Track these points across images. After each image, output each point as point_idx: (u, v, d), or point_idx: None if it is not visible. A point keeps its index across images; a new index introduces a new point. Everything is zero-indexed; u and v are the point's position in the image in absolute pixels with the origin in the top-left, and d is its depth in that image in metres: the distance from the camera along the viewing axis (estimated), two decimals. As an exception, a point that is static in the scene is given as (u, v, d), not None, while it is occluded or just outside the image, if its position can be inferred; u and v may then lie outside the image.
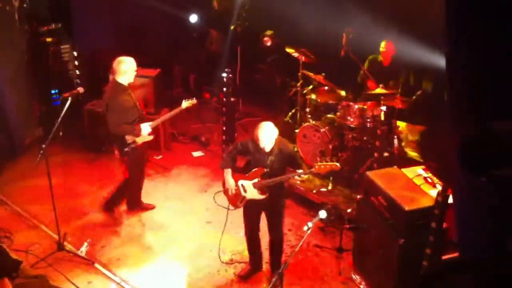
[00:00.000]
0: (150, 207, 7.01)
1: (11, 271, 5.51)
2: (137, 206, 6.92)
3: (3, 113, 7.79)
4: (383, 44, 7.46)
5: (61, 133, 7.60)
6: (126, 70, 6.13)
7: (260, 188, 5.28)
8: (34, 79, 8.49)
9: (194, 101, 6.60)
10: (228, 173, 5.43)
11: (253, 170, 5.28)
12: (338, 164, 5.07)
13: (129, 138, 6.25)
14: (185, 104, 6.55)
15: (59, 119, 6.03)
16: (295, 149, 5.42)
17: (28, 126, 8.33)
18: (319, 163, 5.06)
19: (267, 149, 5.13)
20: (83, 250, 6.05)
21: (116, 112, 6.13)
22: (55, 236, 6.12)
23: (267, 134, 5.06)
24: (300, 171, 5.22)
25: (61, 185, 7.17)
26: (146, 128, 6.30)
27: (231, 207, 5.61)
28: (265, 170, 5.21)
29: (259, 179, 5.26)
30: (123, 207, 6.87)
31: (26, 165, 7.66)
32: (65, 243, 6.11)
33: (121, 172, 6.66)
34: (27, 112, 8.36)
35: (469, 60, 3.00)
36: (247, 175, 5.33)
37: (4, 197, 7.08)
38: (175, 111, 6.57)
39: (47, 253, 5.98)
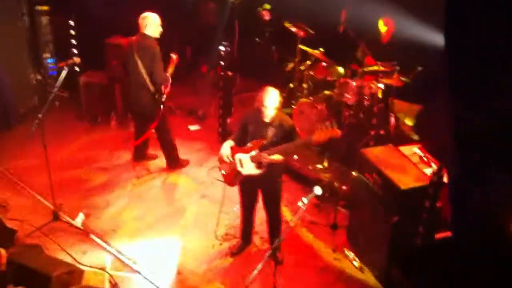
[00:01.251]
0: (154, 157, 7.44)
1: (6, 240, 5.52)
2: (177, 162, 7.28)
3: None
4: (382, 22, 7.37)
5: (57, 103, 7.54)
6: (148, 24, 6.53)
7: (257, 161, 5.11)
8: (30, 47, 8.40)
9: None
10: (227, 143, 5.33)
11: (252, 141, 5.15)
12: (338, 130, 4.79)
13: (162, 88, 6.68)
14: (173, 56, 6.96)
15: (55, 88, 6.00)
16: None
17: (23, 95, 8.26)
18: (319, 130, 4.78)
19: (268, 117, 5.02)
20: (78, 220, 6.09)
21: (157, 61, 6.50)
22: (51, 206, 6.14)
23: (272, 98, 4.96)
24: (300, 141, 5.08)
25: (56, 155, 7.17)
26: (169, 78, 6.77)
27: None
28: (264, 141, 5.07)
29: (257, 151, 5.10)
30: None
31: (21, 135, 7.64)
32: (61, 213, 6.13)
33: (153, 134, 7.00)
34: (22, 81, 8.28)
35: (466, 44, 3.00)
36: (244, 147, 5.20)
37: (0, 167, 7.05)
38: (172, 63, 6.93)
39: (42, 223, 6.00)
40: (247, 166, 5.21)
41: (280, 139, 5.07)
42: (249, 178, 5.27)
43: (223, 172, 5.47)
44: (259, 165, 5.14)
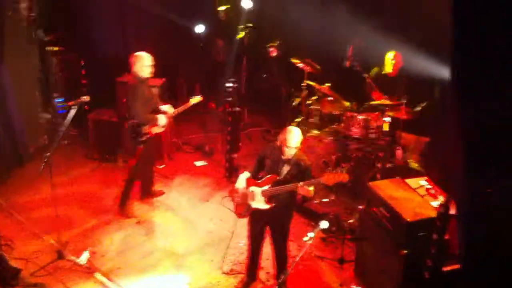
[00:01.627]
0: (160, 193, 7.45)
1: (10, 279, 5.50)
2: (147, 194, 7.30)
3: (9, 120, 7.82)
4: (391, 56, 7.40)
5: (66, 142, 7.62)
6: (137, 64, 6.65)
7: (267, 196, 5.15)
8: (40, 87, 8.53)
9: (200, 98, 7.18)
10: (243, 175, 5.38)
11: (266, 177, 5.19)
12: (346, 175, 4.93)
13: (145, 128, 6.67)
14: (192, 100, 7.11)
15: (64, 127, 6.07)
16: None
17: (33, 134, 8.35)
18: (328, 173, 4.95)
19: (289, 154, 5.07)
20: (83, 259, 6.03)
21: (139, 100, 6.59)
22: (56, 245, 6.12)
23: (296, 137, 5.05)
24: (309, 181, 5.06)
25: (64, 193, 7.20)
26: (163, 119, 6.79)
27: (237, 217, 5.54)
28: (278, 178, 5.12)
29: (270, 187, 5.14)
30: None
31: (31, 173, 7.69)
32: (66, 252, 6.10)
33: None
34: (32, 120, 8.38)
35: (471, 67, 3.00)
36: (259, 182, 5.24)
37: (7, 204, 7.08)
38: (184, 106, 7.08)
39: (47, 261, 5.96)
40: (257, 200, 5.23)
41: (293, 177, 5.10)
42: (260, 212, 5.27)
43: (236, 201, 5.47)
44: (269, 199, 5.16)
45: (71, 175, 7.79)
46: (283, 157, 5.11)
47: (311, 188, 5.02)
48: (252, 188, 5.26)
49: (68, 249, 6.16)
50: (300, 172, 5.10)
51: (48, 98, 8.66)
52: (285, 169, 5.11)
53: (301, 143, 5.14)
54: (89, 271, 5.90)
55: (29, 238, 6.46)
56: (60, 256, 6.02)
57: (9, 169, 7.89)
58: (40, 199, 7.11)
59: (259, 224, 5.44)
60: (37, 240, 6.42)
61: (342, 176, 4.92)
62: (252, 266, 5.74)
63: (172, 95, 9.38)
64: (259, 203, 5.22)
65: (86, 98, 6.76)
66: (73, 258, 6.07)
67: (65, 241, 6.17)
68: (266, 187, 5.16)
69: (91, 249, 6.20)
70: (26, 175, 7.81)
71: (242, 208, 5.39)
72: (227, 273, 5.93)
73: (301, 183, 4.96)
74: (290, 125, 8.37)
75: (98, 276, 5.85)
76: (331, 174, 4.93)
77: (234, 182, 6.73)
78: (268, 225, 5.44)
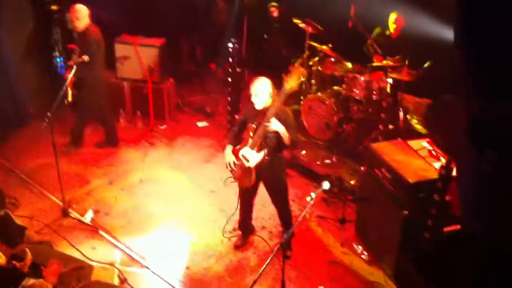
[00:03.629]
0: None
1: (16, 237, 5.55)
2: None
3: (9, 81, 7.76)
4: (393, 18, 7.34)
5: (66, 101, 7.56)
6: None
7: (256, 145, 5.07)
8: (39, 47, 8.44)
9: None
10: (228, 149, 5.34)
11: (247, 132, 5.18)
12: (300, 67, 4.91)
13: None
14: None
15: (64, 86, 6.06)
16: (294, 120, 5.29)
17: (33, 94, 8.30)
18: (285, 79, 4.86)
19: (259, 105, 5.03)
20: (87, 217, 6.12)
21: None
22: (60, 203, 6.18)
23: (258, 84, 5.03)
24: (278, 98, 4.95)
25: (65, 152, 7.22)
26: None
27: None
28: (253, 125, 5.08)
29: (252, 136, 5.10)
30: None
31: (32, 133, 7.67)
32: (70, 210, 6.17)
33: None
34: (32, 80, 8.33)
35: (478, 38, 2.97)
36: (241, 144, 5.23)
37: (10, 164, 7.11)
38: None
39: (51, 219, 6.05)
40: (251, 156, 5.15)
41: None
42: (257, 169, 5.19)
43: (236, 177, 5.40)
44: (258, 147, 5.08)
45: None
46: (257, 109, 5.08)
47: (277, 123, 4.91)
48: (241, 152, 5.22)
49: (72, 207, 6.24)
50: (281, 123, 5.00)
51: (48, 58, 8.56)
52: (260, 118, 5.05)
53: (274, 94, 5.04)
54: (93, 229, 5.99)
55: (33, 196, 6.52)
56: (65, 214, 6.10)
57: (10, 130, 7.87)
58: (42, 158, 7.12)
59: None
60: (41, 198, 6.49)
61: (297, 71, 4.90)
62: (245, 221, 5.81)
63: (174, 56, 9.32)
64: (254, 157, 5.12)
65: (85, 58, 6.74)
66: (77, 216, 6.16)
67: (68, 200, 6.23)
68: (250, 141, 5.12)
69: (94, 208, 6.27)
70: (28, 135, 7.79)
71: (245, 176, 5.30)
72: (229, 232, 6.02)
73: (267, 122, 4.89)
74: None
75: (102, 233, 5.94)
76: (288, 78, 4.86)
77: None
78: (263, 181, 5.41)
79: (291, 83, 4.86)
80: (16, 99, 7.98)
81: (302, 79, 4.96)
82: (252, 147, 5.12)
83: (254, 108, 5.12)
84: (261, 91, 5.01)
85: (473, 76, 3.09)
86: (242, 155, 5.23)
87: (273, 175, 5.34)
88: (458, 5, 2.97)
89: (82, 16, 6.87)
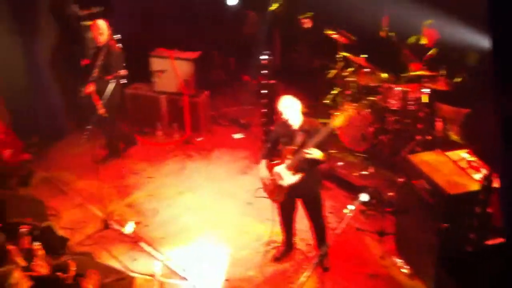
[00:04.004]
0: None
1: (58, 248, 5.69)
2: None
3: (48, 95, 8.03)
4: (424, 31, 7.32)
5: (106, 115, 7.72)
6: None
7: (292, 168, 5.15)
8: (77, 61, 8.64)
9: None
10: (262, 164, 5.41)
11: (283, 152, 5.22)
12: (350, 107, 4.93)
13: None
14: None
15: (104, 100, 6.19)
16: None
17: (73, 107, 8.49)
18: (333, 116, 4.94)
19: (294, 124, 5.08)
20: (128, 228, 6.22)
21: None
22: (101, 215, 6.31)
23: (284, 101, 5.08)
24: (323, 130, 5.05)
25: (106, 165, 7.36)
26: None
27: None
28: (295, 147, 5.11)
29: (290, 158, 5.15)
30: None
31: (72, 146, 7.87)
32: (111, 222, 6.30)
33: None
34: (72, 93, 8.51)
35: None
36: (278, 161, 5.27)
37: (51, 176, 7.29)
38: None
39: (93, 231, 6.19)
40: (286, 176, 5.23)
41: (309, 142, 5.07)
42: (291, 188, 5.28)
43: (268, 191, 5.50)
44: (295, 170, 5.15)
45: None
46: (294, 128, 5.12)
47: (318, 153, 4.95)
48: (276, 169, 5.27)
49: (113, 219, 6.37)
50: (313, 137, 5.03)
51: (86, 73, 8.75)
52: (299, 137, 5.10)
53: (301, 108, 5.12)
54: (133, 240, 6.09)
55: (74, 208, 6.69)
56: (106, 225, 6.22)
57: (50, 142, 8.09)
58: (82, 170, 7.28)
59: (290, 198, 5.46)
60: (83, 210, 6.64)
61: (347, 111, 4.92)
62: (287, 237, 5.85)
63: (207, 68, 9.43)
64: (288, 178, 5.21)
65: (123, 72, 6.91)
66: (118, 227, 6.28)
67: (109, 211, 6.36)
68: (287, 161, 5.18)
69: (135, 219, 6.38)
70: (67, 147, 8.00)
71: (276, 192, 5.40)
72: (266, 244, 6.04)
73: (306, 150, 4.93)
74: (324, 97, 8.44)
75: (143, 245, 6.04)
76: (336, 115, 4.92)
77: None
78: (299, 198, 5.48)
79: (338, 121, 4.92)
80: (55, 112, 8.21)
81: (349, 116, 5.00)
82: (288, 169, 5.18)
83: (287, 124, 5.15)
84: (289, 105, 5.07)
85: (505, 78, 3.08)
86: (277, 173, 5.28)
87: (308, 192, 5.39)
88: (491, 12, 2.97)
89: (104, 30, 7.11)
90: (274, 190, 5.40)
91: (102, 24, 7.13)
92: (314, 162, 5.08)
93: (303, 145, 5.03)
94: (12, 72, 7.60)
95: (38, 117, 8.04)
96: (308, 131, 5.09)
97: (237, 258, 5.87)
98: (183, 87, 8.12)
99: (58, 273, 4.64)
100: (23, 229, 5.05)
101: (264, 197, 5.65)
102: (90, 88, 7.02)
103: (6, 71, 7.50)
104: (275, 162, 5.29)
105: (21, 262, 4.82)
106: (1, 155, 6.67)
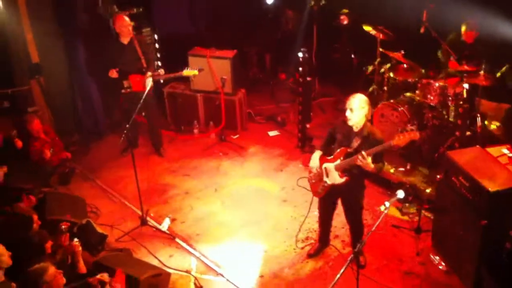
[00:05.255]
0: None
1: (98, 244, 5.82)
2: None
3: (89, 96, 8.20)
4: (463, 29, 7.16)
5: (143, 114, 7.85)
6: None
7: (341, 170, 5.10)
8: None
9: (196, 72, 7.14)
10: (316, 154, 5.37)
11: (337, 151, 5.15)
12: (417, 132, 4.74)
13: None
14: (185, 72, 7.10)
15: (141, 100, 6.29)
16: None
17: (112, 107, 8.67)
18: (398, 134, 4.76)
19: (351, 119, 4.97)
20: (164, 225, 6.32)
21: None
22: (139, 212, 6.41)
23: (355, 100, 4.95)
24: (380, 146, 4.97)
25: (143, 163, 7.49)
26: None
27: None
28: (349, 150, 5.04)
29: (342, 160, 5.10)
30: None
31: (111, 145, 8.04)
32: (148, 219, 6.39)
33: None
34: (110, 93, 8.68)
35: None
36: (330, 157, 5.21)
37: (91, 174, 7.46)
38: (175, 74, 7.30)
39: (131, 228, 6.29)
40: (332, 175, 5.20)
41: (364, 150, 4.94)
42: (334, 187, 5.26)
43: (310, 182, 5.50)
44: (342, 172, 5.12)
45: (149, 146, 8.06)
46: (354, 130, 5.04)
47: (369, 161, 4.81)
48: (325, 165, 5.24)
49: (149, 216, 6.47)
50: (371, 145, 4.93)
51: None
52: (356, 141, 5.03)
53: (369, 114, 5.03)
54: (170, 237, 6.18)
55: (113, 205, 6.82)
56: (143, 222, 6.32)
57: (90, 142, 8.28)
58: (121, 169, 7.43)
59: (332, 196, 5.45)
60: (121, 207, 6.77)
61: (412, 134, 4.71)
62: (324, 234, 5.82)
63: (243, 65, 9.46)
64: (334, 178, 5.19)
65: (161, 72, 7.00)
66: (155, 224, 6.37)
67: (147, 209, 6.46)
68: (338, 161, 5.12)
69: (171, 216, 6.47)
70: (106, 146, 8.17)
71: (318, 186, 5.39)
72: (302, 241, 6.03)
73: (363, 152, 4.80)
74: (363, 93, 8.34)
75: (179, 241, 6.12)
76: (400, 134, 4.74)
77: (307, 152, 6.78)
78: (340, 197, 5.45)
79: (400, 142, 4.76)
80: (94, 112, 8.38)
81: (413, 141, 4.86)
82: (336, 169, 5.14)
83: (346, 123, 5.08)
84: (357, 108, 4.95)
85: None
86: (325, 168, 5.25)
87: (350, 195, 5.37)
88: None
89: (129, 23, 7.22)
90: (317, 183, 5.39)
91: (127, 18, 7.24)
92: (364, 170, 5.00)
93: (358, 150, 4.94)
94: (53, 72, 7.83)
95: (78, 117, 8.25)
96: (366, 138, 5.00)
97: (272, 255, 5.88)
98: (219, 85, 8.16)
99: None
100: (63, 226, 5.20)
101: (305, 188, 5.59)
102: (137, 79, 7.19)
103: (48, 71, 7.73)
104: (328, 157, 5.24)
105: (59, 258, 4.97)
106: (42, 153, 6.83)
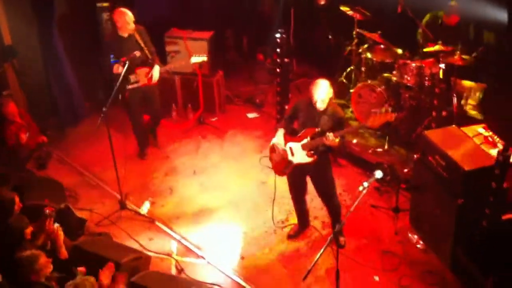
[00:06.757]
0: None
1: (77, 229, 5.78)
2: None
3: (65, 79, 8.04)
4: (445, 12, 7.21)
5: (120, 97, 7.75)
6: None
7: (309, 148, 5.14)
8: (93, 43, 8.66)
9: (205, 58, 7.11)
10: (280, 132, 5.38)
11: (303, 130, 5.18)
12: (392, 114, 4.80)
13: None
14: (193, 59, 7.08)
15: (118, 82, 6.22)
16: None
17: (88, 90, 8.56)
18: (373, 115, 4.82)
19: (321, 107, 5.04)
20: (144, 208, 6.31)
21: None
22: (118, 196, 6.38)
23: (323, 89, 5.00)
24: (355, 124, 5.01)
25: (121, 147, 7.39)
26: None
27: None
28: (317, 129, 5.08)
29: (309, 139, 5.13)
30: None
31: (88, 128, 7.92)
32: (127, 202, 6.36)
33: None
34: (87, 76, 8.57)
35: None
36: (296, 137, 5.23)
37: (69, 159, 7.38)
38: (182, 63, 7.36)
39: (110, 211, 6.27)
40: (299, 155, 5.22)
41: (330, 128, 5.05)
42: (300, 166, 5.29)
43: (273, 161, 5.52)
44: (310, 152, 5.15)
45: (127, 130, 7.95)
46: (318, 109, 5.08)
47: (337, 140, 4.91)
48: (290, 144, 5.26)
49: (129, 199, 6.44)
50: (335, 122, 5.07)
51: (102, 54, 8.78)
52: (323, 120, 5.08)
53: (332, 94, 5.11)
54: (149, 220, 6.17)
55: (92, 190, 6.77)
56: (122, 206, 6.29)
57: (67, 125, 8.16)
58: (99, 153, 7.33)
59: (299, 177, 5.50)
60: (100, 191, 6.73)
61: (388, 116, 4.80)
62: (300, 213, 5.86)
63: (220, 48, 9.38)
64: (300, 157, 5.22)
65: (137, 54, 6.89)
66: (134, 208, 6.35)
67: (126, 193, 6.42)
68: (305, 141, 5.15)
69: (151, 200, 6.46)
70: (84, 130, 8.05)
71: (282, 165, 5.41)
72: (282, 222, 6.07)
73: (330, 134, 4.87)
74: (340, 75, 8.37)
75: (159, 224, 6.12)
76: (376, 115, 4.80)
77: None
78: (309, 175, 5.48)
79: (374, 123, 4.84)
80: (72, 95, 8.24)
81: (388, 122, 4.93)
82: (303, 148, 5.16)
83: (313, 106, 5.10)
84: (326, 96, 5.02)
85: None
86: (290, 147, 5.26)
87: (318, 173, 5.40)
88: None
89: (131, 18, 6.85)
90: (281, 163, 5.40)
91: (127, 11, 6.86)
92: (329, 147, 5.08)
93: (325, 130, 5.00)
94: (28, 55, 7.67)
95: (54, 100, 8.11)
96: (331, 116, 5.08)
97: (252, 237, 5.92)
98: (197, 67, 8.09)
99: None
100: (47, 210, 5.07)
101: (269, 167, 5.60)
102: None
103: (22, 54, 7.57)
104: (293, 136, 5.26)
105: (40, 243, 4.89)
106: (19, 137, 6.72)
